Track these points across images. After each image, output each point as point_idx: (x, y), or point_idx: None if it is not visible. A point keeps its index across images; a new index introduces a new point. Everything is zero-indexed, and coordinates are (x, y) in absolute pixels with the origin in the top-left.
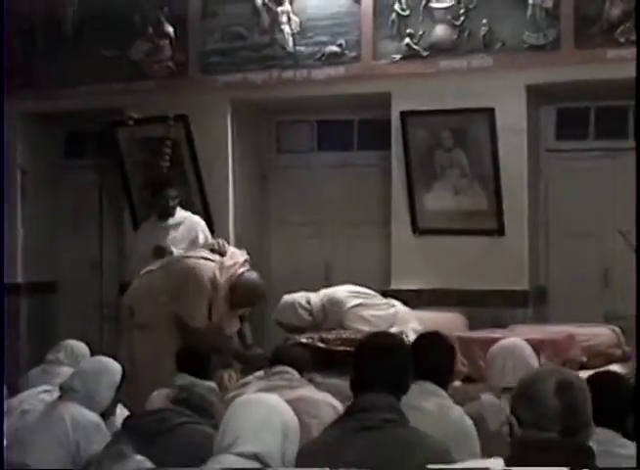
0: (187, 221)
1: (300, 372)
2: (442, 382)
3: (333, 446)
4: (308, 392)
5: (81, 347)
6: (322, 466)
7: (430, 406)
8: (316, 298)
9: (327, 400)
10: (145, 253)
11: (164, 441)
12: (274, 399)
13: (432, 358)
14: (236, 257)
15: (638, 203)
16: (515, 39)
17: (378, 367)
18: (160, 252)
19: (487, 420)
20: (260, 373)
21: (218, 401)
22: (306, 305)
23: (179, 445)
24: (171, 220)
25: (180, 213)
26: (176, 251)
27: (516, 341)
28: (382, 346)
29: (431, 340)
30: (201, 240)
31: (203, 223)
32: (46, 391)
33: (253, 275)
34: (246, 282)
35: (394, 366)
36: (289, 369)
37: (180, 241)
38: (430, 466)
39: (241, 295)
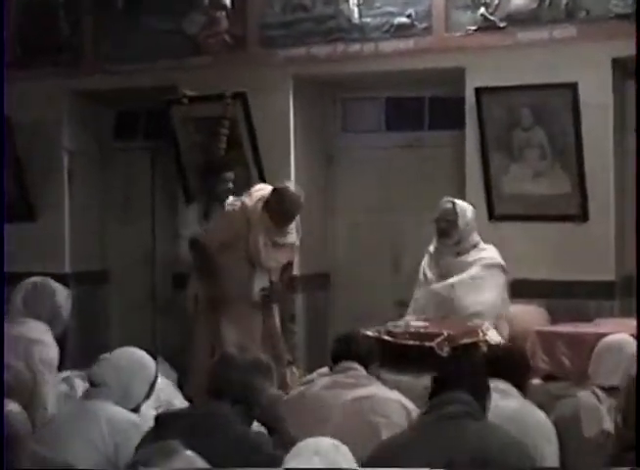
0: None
1: (366, 367)
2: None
3: (411, 436)
4: (378, 390)
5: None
6: (402, 458)
7: (508, 405)
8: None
9: (398, 400)
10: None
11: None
12: None
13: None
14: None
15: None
16: (600, 8)
17: (455, 368)
18: None
19: (583, 423)
20: (324, 370)
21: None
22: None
23: (212, 444)
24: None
25: None
26: None
27: (626, 338)
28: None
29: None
30: None
31: None
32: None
33: (285, 184)
34: (277, 190)
35: (469, 368)
36: (355, 365)
37: None
38: None
39: (275, 203)
